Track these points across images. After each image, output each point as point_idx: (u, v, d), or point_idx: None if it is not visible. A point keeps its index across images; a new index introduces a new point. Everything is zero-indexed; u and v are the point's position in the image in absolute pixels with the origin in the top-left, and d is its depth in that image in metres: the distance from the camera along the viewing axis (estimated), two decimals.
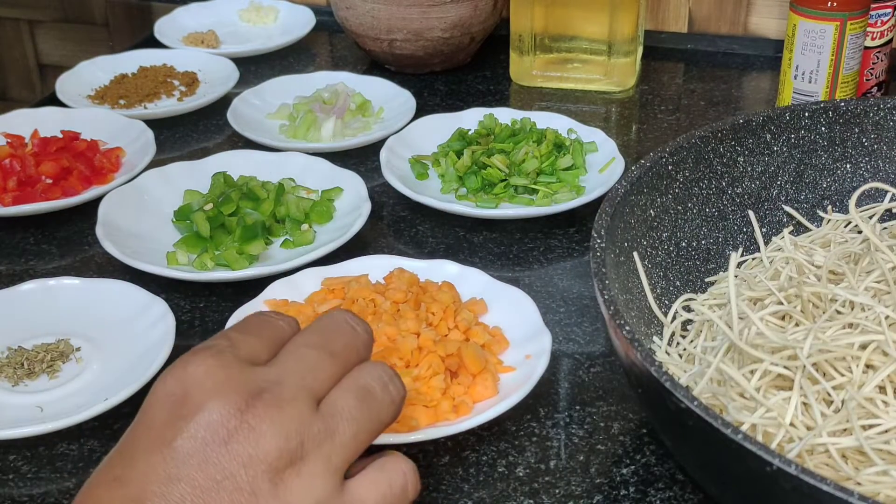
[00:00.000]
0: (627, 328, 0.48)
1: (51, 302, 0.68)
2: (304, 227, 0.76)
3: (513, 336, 0.63)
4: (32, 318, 0.67)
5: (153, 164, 0.84)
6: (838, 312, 0.54)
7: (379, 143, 0.86)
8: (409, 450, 0.57)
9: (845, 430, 0.48)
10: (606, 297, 0.51)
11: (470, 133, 0.86)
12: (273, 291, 0.66)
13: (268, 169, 0.82)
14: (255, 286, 0.72)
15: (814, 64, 0.88)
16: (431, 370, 0.59)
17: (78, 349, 0.65)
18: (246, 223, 0.74)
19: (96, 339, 0.66)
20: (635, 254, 0.60)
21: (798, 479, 0.39)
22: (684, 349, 0.59)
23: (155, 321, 0.65)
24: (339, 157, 0.86)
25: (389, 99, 0.97)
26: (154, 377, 0.60)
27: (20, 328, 0.66)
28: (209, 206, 0.75)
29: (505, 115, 0.89)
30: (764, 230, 0.67)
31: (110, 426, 0.60)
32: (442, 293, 0.65)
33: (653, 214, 0.62)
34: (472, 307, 0.65)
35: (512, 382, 0.60)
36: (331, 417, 0.41)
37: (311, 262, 0.71)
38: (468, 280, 0.68)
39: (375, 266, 0.69)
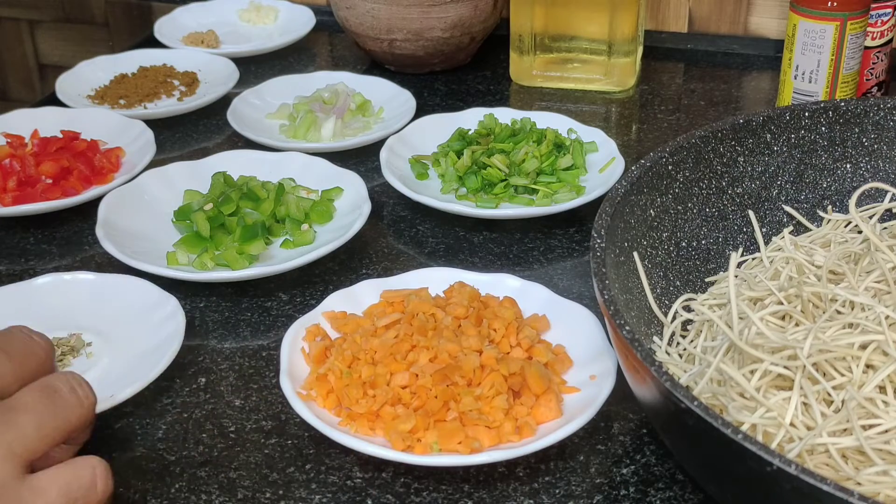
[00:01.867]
0: (627, 328, 0.48)
1: (66, 296, 0.68)
2: (304, 226, 0.76)
3: (576, 355, 0.61)
4: (47, 311, 0.67)
5: (153, 164, 0.84)
6: (838, 312, 0.54)
7: (379, 143, 0.86)
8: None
9: (845, 430, 0.48)
10: (606, 296, 0.51)
11: (470, 133, 0.86)
12: (332, 303, 0.65)
13: (268, 169, 0.82)
14: (254, 286, 0.72)
15: (814, 64, 0.88)
16: (494, 389, 0.57)
17: (89, 344, 0.65)
18: (246, 223, 0.74)
19: (108, 333, 0.66)
20: (635, 254, 0.60)
21: (798, 479, 0.39)
22: (684, 349, 0.59)
23: (165, 319, 0.65)
24: (339, 157, 0.86)
25: (389, 99, 0.97)
26: (160, 375, 0.60)
27: (35, 321, 0.64)
28: (209, 206, 0.74)
29: (505, 115, 0.89)
30: (764, 230, 0.67)
31: (111, 426, 0.60)
32: (504, 309, 0.63)
33: (653, 214, 0.62)
34: (534, 324, 0.63)
35: (576, 403, 0.58)
36: (12, 410, 0.45)
37: (311, 262, 0.71)
38: (529, 295, 0.66)
39: (435, 279, 0.67)
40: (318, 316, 0.64)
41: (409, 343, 0.59)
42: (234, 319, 0.69)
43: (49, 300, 0.68)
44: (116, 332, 0.66)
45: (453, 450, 0.54)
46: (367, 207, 0.76)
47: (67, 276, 0.70)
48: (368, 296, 0.66)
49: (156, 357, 0.62)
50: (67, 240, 0.79)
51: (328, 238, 0.74)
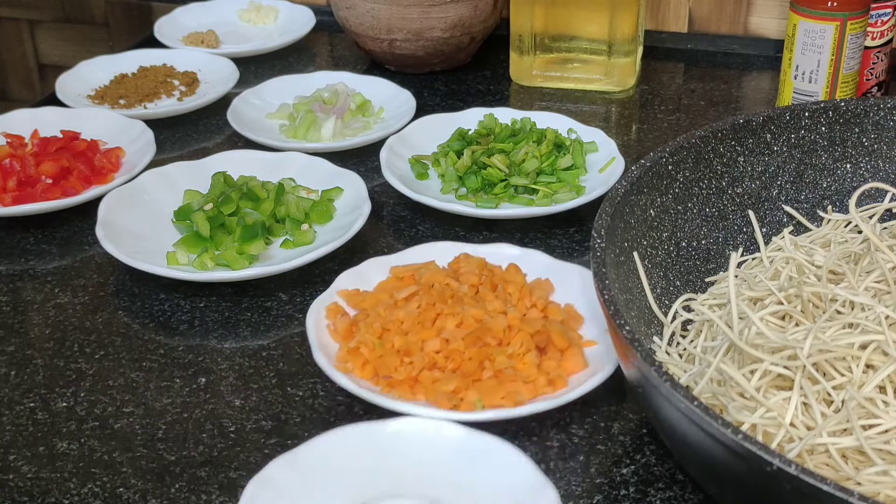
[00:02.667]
0: (627, 328, 0.48)
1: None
2: (305, 226, 0.76)
3: (584, 311, 0.65)
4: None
5: (153, 164, 0.84)
6: (838, 312, 0.54)
7: (379, 143, 0.86)
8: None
9: (845, 430, 0.48)
10: (606, 296, 0.51)
11: (470, 133, 0.86)
12: (343, 282, 0.67)
13: (267, 169, 0.82)
14: (254, 286, 0.72)
15: (814, 64, 0.88)
16: (524, 347, 0.61)
17: None
18: (246, 223, 0.74)
19: None
20: (635, 254, 0.60)
21: (798, 479, 0.39)
22: (684, 349, 0.59)
23: None
24: (339, 157, 0.86)
25: (389, 99, 0.97)
26: (163, 376, 0.58)
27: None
28: (209, 206, 0.74)
29: (505, 115, 0.89)
30: (764, 230, 0.67)
31: (111, 426, 0.60)
32: (512, 274, 0.67)
33: (653, 214, 0.62)
34: (541, 287, 0.67)
35: (598, 355, 0.61)
36: None
37: (311, 261, 0.71)
38: (530, 261, 0.69)
39: (437, 252, 0.70)
40: (333, 295, 0.66)
41: (433, 311, 0.63)
42: (234, 319, 0.69)
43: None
44: None
45: (497, 405, 0.57)
46: (367, 207, 0.76)
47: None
48: (376, 273, 0.68)
49: None
50: (67, 240, 0.79)
51: (328, 238, 0.74)
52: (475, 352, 0.60)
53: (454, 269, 0.67)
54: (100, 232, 0.73)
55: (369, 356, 0.60)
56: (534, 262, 0.69)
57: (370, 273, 0.68)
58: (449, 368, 0.60)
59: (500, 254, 0.70)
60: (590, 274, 0.63)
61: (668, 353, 0.59)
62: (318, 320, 0.64)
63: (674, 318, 0.60)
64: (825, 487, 0.39)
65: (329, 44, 1.17)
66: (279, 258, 0.74)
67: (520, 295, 0.65)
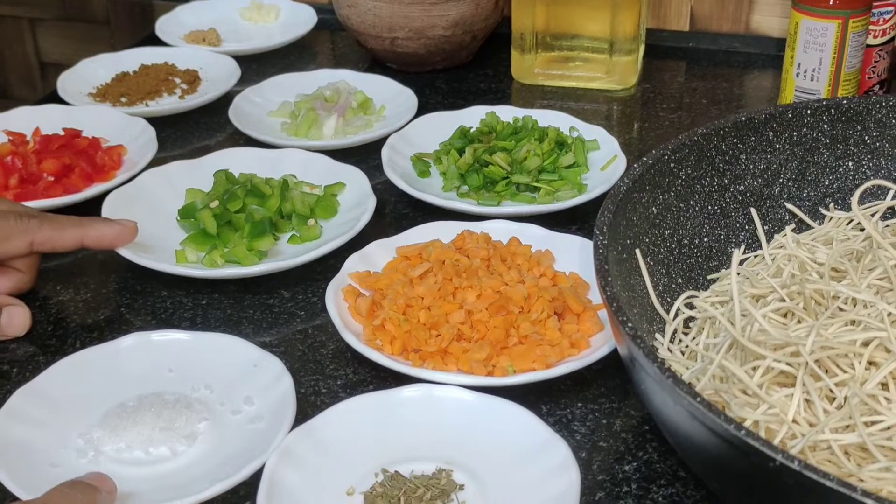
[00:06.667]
0: (630, 324, 0.48)
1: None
2: (311, 222, 0.76)
3: (589, 277, 0.68)
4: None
5: (155, 162, 0.84)
6: (840, 309, 0.54)
7: (380, 142, 0.86)
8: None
9: (848, 426, 0.48)
10: (609, 293, 0.51)
11: (472, 131, 0.86)
12: (351, 265, 0.69)
13: (267, 166, 0.82)
14: (257, 283, 0.72)
15: (816, 62, 0.88)
16: (545, 313, 0.63)
17: (461, 487, 0.53)
18: (254, 219, 0.73)
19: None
20: (637, 251, 0.60)
21: (801, 475, 0.39)
22: (686, 346, 0.59)
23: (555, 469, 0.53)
24: (341, 155, 0.86)
25: (391, 97, 0.97)
26: None
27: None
28: (215, 204, 0.74)
29: (507, 114, 0.89)
30: (766, 228, 0.67)
31: None
32: (516, 246, 0.70)
33: (655, 211, 0.62)
34: (543, 257, 0.69)
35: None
36: None
37: (320, 256, 0.72)
38: (528, 234, 0.72)
39: (434, 233, 0.72)
40: (345, 278, 0.68)
41: (451, 286, 0.65)
42: (237, 317, 0.69)
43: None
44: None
45: (529, 368, 0.60)
46: (372, 201, 0.76)
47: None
48: (382, 255, 0.71)
49: None
50: None
51: (334, 234, 0.74)
52: (500, 320, 0.62)
53: (460, 246, 0.70)
54: None
55: (396, 332, 0.62)
56: (532, 236, 0.72)
57: (375, 255, 0.70)
58: (475, 338, 0.62)
59: (498, 229, 0.72)
60: (590, 242, 0.65)
61: (671, 351, 0.59)
62: (338, 301, 0.65)
63: (676, 315, 0.60)
64: (828, 483, 0.39)
65: (330, 42, 1.17)
66: (287, 254, 0.74)
67: (529, 265, 0.68)
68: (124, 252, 0.71)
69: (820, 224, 0.67)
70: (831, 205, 0.68)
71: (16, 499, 0.52)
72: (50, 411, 0.58)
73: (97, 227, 0.69)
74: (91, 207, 0.78)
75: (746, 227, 0.66)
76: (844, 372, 0.50)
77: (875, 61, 0.92)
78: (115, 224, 0.70)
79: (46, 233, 0.67)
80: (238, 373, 0.61)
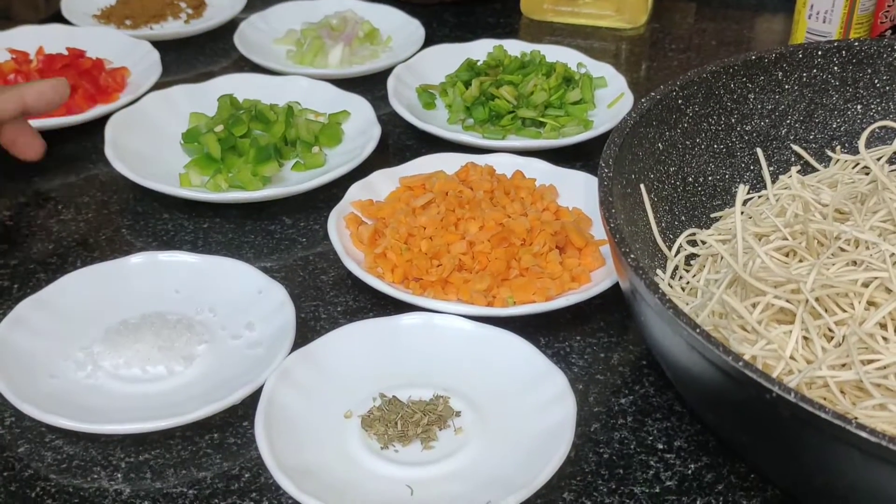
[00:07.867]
0: (632, 256, 0.48)
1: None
2: (315, 149, 0.75)
3: (592, 214, 0.68)
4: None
5: (158, 86, 0.83)
6: (842, 250, 0.54)
7: (386, 73, 0.86)
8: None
9: (844, 364, 0.48)
10: (612, 225, 0.51)
11: (479, 64, 0.85)
12: (355, 193, 0.69)
13: (271, 92, 0.82)
14: (259, 208, 0.72)
15: (829, 3, 0.86)
16: (547, 246, 0.63)
17: (458, 413, 0.54)
18: (259, 145, 0.73)
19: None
20: (642, 186, 0.59)
21: (797, 407, 0.40)
22: (687, 283, 0.59)
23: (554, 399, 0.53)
24: (346, 85, 0.85)
25: (398, 28, 0.96)
26: None
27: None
28: (220, 128, 0.74)
29: (515, 48, 0.88)
30: (771, 168, 0.66)
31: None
32: (520, 180, 0.70)
33: (661, 148, 0.61)
34: (549, 192, 0.69)
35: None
36: None
37: (324, 184, 0.71)
38: (532, 169, 0.72)
39: (439, 164, 0.71)
40: (348, 206, 0.68)
41: (453, 217, 0.65)
42: (238, 241, 0.69)
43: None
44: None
45: (528, 300, 0.60)
46: (377, 130, 0.76)
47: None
48: (384, 184, 0.70)
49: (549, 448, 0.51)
50: (71, 158, 0.78)
51: (338, 162, 0.74)
52: (501, 252, 0.63)
53: (464, 178, 0.70)
54: (109, 152, 0.72)
55: (398, 261, 0.62)
56: (536, 170, 0.72)
57: (379, 185, 0.70)
58: (476, 269, 0.62)
59: (503, 163, 0.72)
60: (594, 179, 0.65)
61: (671, 286, 0.59)
62: (341, 229, 0.65)
63: (678, 251, 0.60)
64: (823, 415, 0.39)
65: None
66: (291, 181, 0.74)
67: (532, 199, 0.68)
68: (129, 174, 0.70)
69: (825, 167, 0.67)
70: (838, 147, 0.68)
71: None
72: (54, 323, 0.59)
73: (34, 86, 0.71)
74: (94, 128, 0.78)
75: (752, 168, 0.66)
76: (844, 311, 0.50)
77: (888, 5, 0.91)
78: (49, 80, 0.72)
79: None
80: (242, 298, 0.61)
